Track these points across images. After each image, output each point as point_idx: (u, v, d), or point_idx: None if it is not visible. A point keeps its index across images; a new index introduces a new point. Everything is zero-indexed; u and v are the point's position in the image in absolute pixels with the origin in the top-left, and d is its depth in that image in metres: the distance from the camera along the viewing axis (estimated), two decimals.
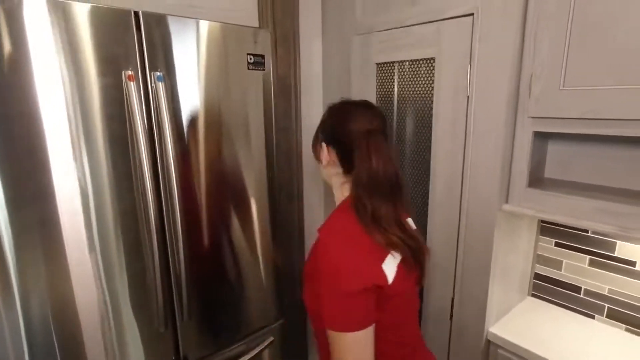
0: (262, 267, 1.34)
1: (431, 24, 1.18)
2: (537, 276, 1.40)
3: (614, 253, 1.21)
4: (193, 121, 1.08)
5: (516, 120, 1.08)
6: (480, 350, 1.23)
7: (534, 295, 1.42)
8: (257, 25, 1.31)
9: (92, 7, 0.87)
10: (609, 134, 0.93)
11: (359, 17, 1.39)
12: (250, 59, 1.16)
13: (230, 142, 1.17)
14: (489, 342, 1.22)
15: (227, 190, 1.20)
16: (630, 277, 1.18)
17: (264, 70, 1.21)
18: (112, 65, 0.91)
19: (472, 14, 1.08)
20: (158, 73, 0.97)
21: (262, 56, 1.19)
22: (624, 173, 1.10)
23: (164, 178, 1.03)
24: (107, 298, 0.99)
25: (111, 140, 0.93)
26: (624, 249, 1.19)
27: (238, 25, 1.19)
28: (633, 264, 1.18)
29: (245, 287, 1.30)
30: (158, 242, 1.01)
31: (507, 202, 1.14)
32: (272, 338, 1.40)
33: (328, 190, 1.14)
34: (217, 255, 1.21)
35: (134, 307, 1.04)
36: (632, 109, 0.87)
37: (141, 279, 1.03)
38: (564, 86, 0.97)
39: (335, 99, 1.50)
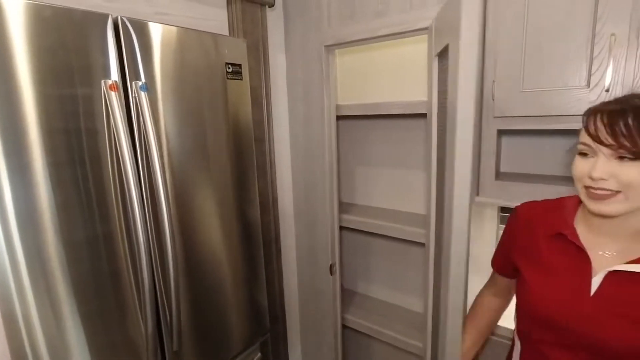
0: (245, 283, 1.28)
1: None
2: None
3: None
4: (177, 133, 1.02)
5: (482, 120, 1.21)
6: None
7: None
8: (227, 34, 1.28)
9: (64, 9, 0.79)
10: (561, 128, 1.08)
11: (326, 28, 1.43)
12: (229, 68, 1.14)
13: (215, 153, 1.12)
14: None
15: (208, 207, 1.14)
16: None
17: (241, 79, 1.19)
18: (82, 74, 0.82)
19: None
20: (140, 82, 0.91)
21: (240, 65, 1.17)
22: (566, 161, 1.28)
23: (148, 198, 0.95)
24: (83, 339, 0.88)
25: (85, 156, 0.84)
26: None
27: (214, 33, 1.16)
28: None
29: (232, 306, 1.24)
30: (147, 268, 0.92)
31: (477, 194, 1.25)
32: (259, 354, 1.35)
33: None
34: (203, 277, 1.14)
35: (112, 341, 0.93)
36: (575, 105, 1.03)
37: (122, 310, 0.93)
38: (523, 89, 1.11)
39: (301, 109, 1.53)
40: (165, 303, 1.02)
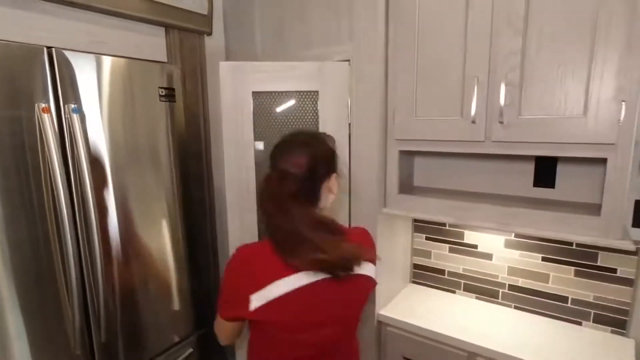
0: (177, 281, 1.42)
1: (319, 64, 1.45)
2: (415, 266, 1.74)
3: (463, 240, 1.59)
4: (108, 149, 1.15)
5: (386, 141, 1.39)
6: (373, 330, 1.49)
7: (414, 282, 1.75)
8: (166, 60, 1.43)
9: (1, 44, 0.93)
10: (445, 150, 1.28)
11: (260, 55, 1.60)
12: (162, 92, 1.29)
13: (145, 167, 1.26)
14: (380, 322, 1.49)
15: (143, 213, 1.28)
16: (475, 257, 1.57)
17: (174, 102, 1.34)
18: (23, 99, 0.96)
19: (349, 60, 1.37)
20: (73, 105, 1.05)
21: (173, 89, 1.32)
22: (464, 178, 1.49)
23: (80, 205, 1.09)
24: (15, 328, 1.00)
25: (20, 169, 0.97)
26: (470, 237, 1.57)
27: (149, 60, 1.31)
28: (476, 247, 1.57)
29: (162, 302, 1.37)
30: (75, 266, 1.05)
31: (385, 206, 1.44)
32: (191, 349, 1.48)
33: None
34: (132, 274, 1.27)
35: (48, 332, 1.05)
36: (453, 133, 1.23)
37: (55, 304, 1.06)
38: (416, 116, 1.30)
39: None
40: (94, 297, 1.14)
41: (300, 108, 1.46)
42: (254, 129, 1.40)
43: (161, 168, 1.32)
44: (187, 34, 1.46)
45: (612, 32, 0.97)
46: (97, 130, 1.12)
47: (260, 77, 1.39)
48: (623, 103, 0.98)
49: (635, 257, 1.26)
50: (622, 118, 0.99)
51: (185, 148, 1.40)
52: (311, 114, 1.46)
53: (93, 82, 1.11)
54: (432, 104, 1.27)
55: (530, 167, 1.38)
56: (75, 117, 1.05)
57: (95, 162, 1.12)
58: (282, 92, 1.42)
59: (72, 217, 1.04)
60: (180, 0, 1.40)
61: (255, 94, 1.41)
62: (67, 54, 1.04)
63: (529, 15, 1.07)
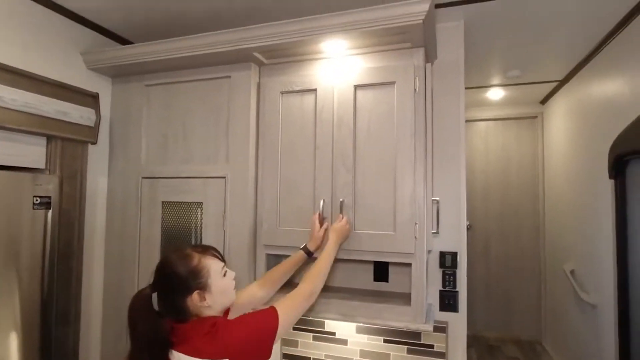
0: None
1: (200, 179, 1.67)
2: (284, 355, 1.89)
3: (324, 328, 1.83)
4: None
5: (256, 246, 1.63)
6: None
7: None
8: (44, 166, 1.48)
9: None
10: None
11: (144, 164, 1.76)
12: (37, 200, 1.33)
13: (16, 271, 1.24)
14: None
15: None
16: (334, 343, 1.82)
17: (49, 209, 1.38)
18: None
19: (225, 177, 1.62)
20: None
21: (49, 197, 1.37)
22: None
23: None
24: None
25: None
26: (329, 324, 1.83)
27: (24, 169, 1.36)
28: (334, 334, 1.82)
29: None
30: None
31: None
32: None
33: None
34: None
35: None
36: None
37: None
38: (279, 226, 1.58)
39: (119, 226, 1.75)
40: None
41: (192, 215, 1.70)
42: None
43: (25, 272, 1.30)
44: (71, 143, 1.55)
45: (405, 176, 1.43)
46: None
47: (166, 190, 1.72)
48: (416, 225, 1.41)
49: (444, 334, 1.66)
50: (417, 235, 1.41)
51: (56, 250, 1.41)
52: (199, 220, 1.65)
53: None
54: (291, 217, 1.57)
55: (371, 266, 1.75)
56: None
57: None
58: (179, 202, 1.72)
59: None
60: (67, 114, 1.52)
61: (164, 203, 1.75)
62: None
63: (356, 160, 1.49)
